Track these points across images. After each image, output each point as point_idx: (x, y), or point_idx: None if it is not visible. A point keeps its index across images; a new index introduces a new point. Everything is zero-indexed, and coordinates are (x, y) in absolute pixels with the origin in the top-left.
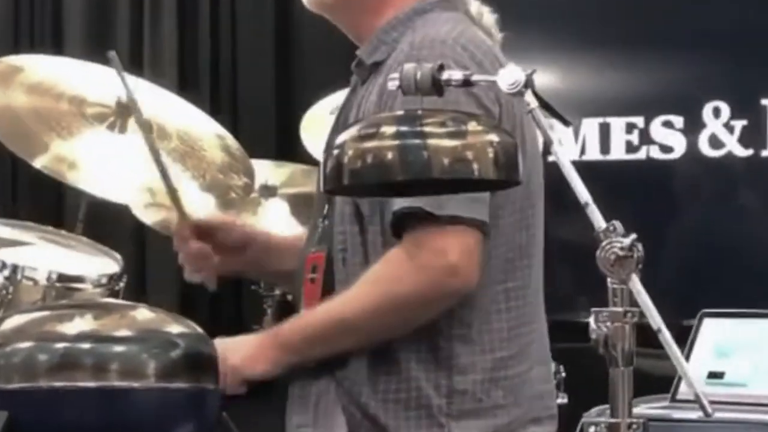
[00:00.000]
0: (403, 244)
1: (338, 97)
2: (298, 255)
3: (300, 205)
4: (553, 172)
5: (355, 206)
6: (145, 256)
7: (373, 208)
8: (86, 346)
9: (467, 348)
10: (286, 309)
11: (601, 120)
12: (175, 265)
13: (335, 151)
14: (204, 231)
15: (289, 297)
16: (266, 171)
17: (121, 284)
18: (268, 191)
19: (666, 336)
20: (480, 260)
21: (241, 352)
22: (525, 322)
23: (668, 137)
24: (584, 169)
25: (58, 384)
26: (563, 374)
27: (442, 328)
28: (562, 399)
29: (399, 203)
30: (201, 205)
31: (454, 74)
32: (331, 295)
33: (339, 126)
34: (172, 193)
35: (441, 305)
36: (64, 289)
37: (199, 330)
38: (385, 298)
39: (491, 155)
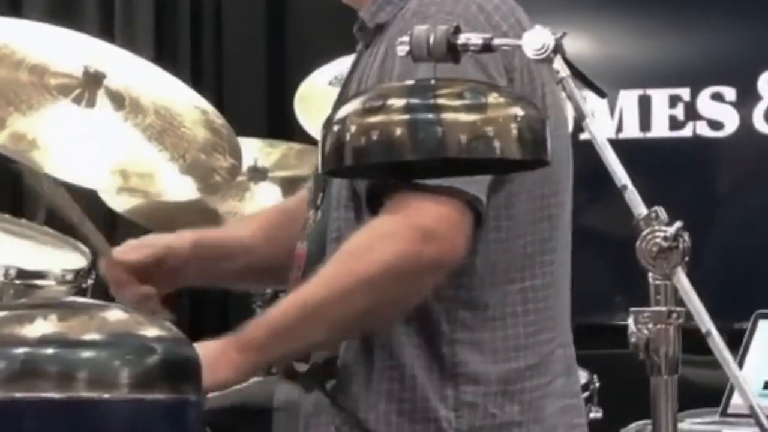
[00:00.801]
0: (379, 215)
1: (339, 66)
2: (251, 247)
3: (294, 190)
4: (587, 152)
5: (351, 190)
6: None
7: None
8: (50, 351)
9: (476, 356)
10: None
11: (641, 92)
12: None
13: (336, 127)
14: (141, 271)
15: (282, 296)
16: (255, 151)
17: (90, 281)
18: (258, 174)
19: (716, 340)
20: (467, 234)
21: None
22: (546, 328)
23: (718, 112)
24: (622, 147)
25: (18, 395)
26: (597, 384)
27: (443, 331)
28: (596, 413)
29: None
30: (181, 190)
31: (473, 38)
32: None
33: (343, 100)
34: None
35: (418, 281)
36: (23, 287)
37: (179, 333)
38: (349, 275)
39: (515, 132)
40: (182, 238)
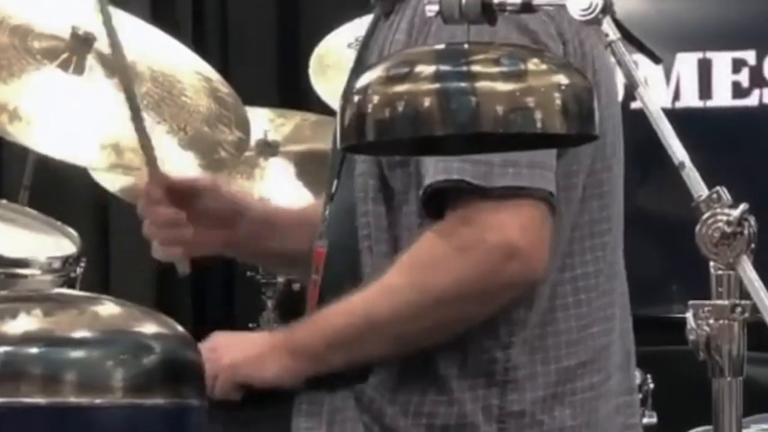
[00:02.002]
0: (442, 222)
1: (358, 27)
2: (309, 231)
3: (308, 167)
4: (639, 124)
5: (381, 180)
6: (109, 234)
7: (407, 181)
8: (34, 350)
9: (526, 357)
10: (292, 302)
11: (700, 55)
12: (148, 244)
13: (356, 98)
14: (181, 193)
15: (296, 286)
16: (265, 122)
17: (79, 270)
18: (268, 149)
19: None
20: (549, 240)
21: (242, 350)
22: (599, 319)
23: None
24: (679, 119)
25: None
26: (651, 386)
27: (500, 334)
28: (650, 418)
29: (433, 173)
30: (180, 166)
31: None
32: (327, 305)
33: (359, 69)
34: (143, 138)
35: (496, 300)
36: (3, 277)
37: (180, 329)
38: (419, 291)
39: (558, 102)
40: (245, 194)
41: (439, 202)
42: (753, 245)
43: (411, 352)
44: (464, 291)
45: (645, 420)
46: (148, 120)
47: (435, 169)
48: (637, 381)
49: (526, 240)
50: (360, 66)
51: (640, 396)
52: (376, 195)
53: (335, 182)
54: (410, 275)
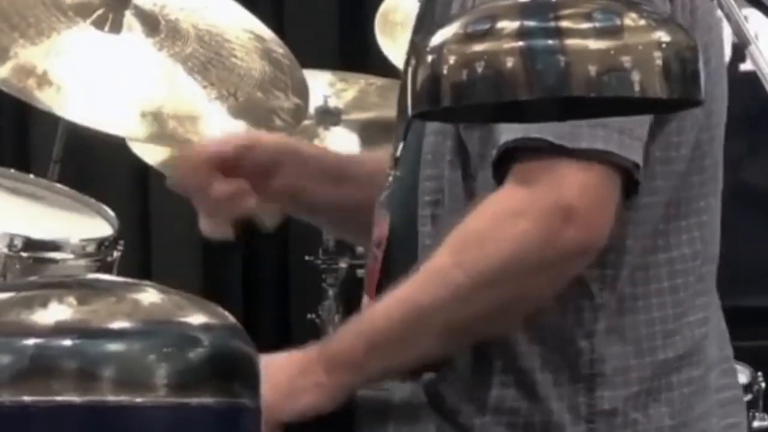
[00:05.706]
0: (499, 188)
1: None
2: (365, 177)
3: (374, 137)
4: (749, 87)
5: (457, 141)
6: (150, 213)
7: (485, 144)
8: (67, 343)
9: (617, 348)
10: (357, 290)
11: None
12: (195, 225)
13: (429, 58)
14: (227, 164)
15: (360, 272)
16: (326, 87)
17: (116, 253)
18: (329, 117)
19: None
20: (614, 208)
21: (273, 381)
22: (696, 307)
23: None
24: None
25: (27, 398)
26: (762, 384)
27: (583, 319)
28: (762, 421)
29: (509, 133)
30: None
31: None
32: (390, 284)
33: (424, 25)
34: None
35: (556, 272)
36: (32, 261)
37: (231, 319)
38: (467, 268)
39: (659, 62)
40: (277, 138)
41: (508, 163)
42: None
43: (467, 343)
44: (519, 265)
45: (756, 423)
46: (194, 85)
47: (513, 127)
48: (746, 380)
49: (583, 201)
50: (424, 22)
51: (750, 397)
52: (454, 158)
53: (401, 145)
54: (456, 253)
